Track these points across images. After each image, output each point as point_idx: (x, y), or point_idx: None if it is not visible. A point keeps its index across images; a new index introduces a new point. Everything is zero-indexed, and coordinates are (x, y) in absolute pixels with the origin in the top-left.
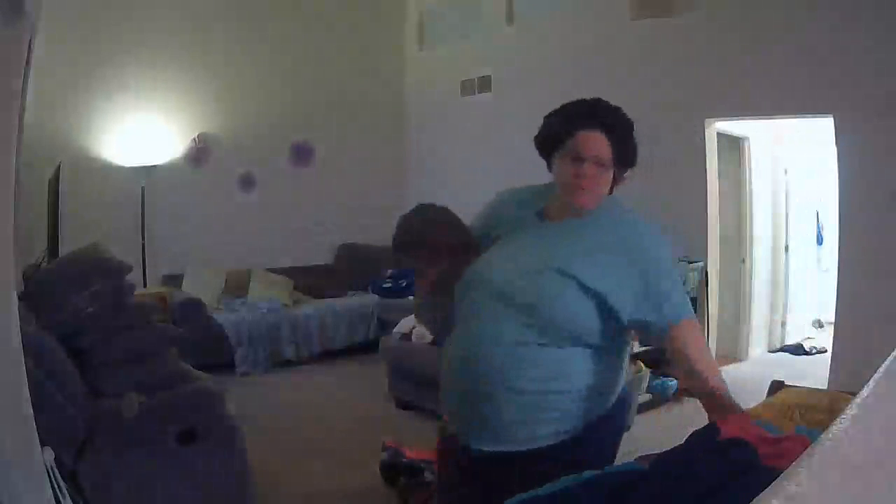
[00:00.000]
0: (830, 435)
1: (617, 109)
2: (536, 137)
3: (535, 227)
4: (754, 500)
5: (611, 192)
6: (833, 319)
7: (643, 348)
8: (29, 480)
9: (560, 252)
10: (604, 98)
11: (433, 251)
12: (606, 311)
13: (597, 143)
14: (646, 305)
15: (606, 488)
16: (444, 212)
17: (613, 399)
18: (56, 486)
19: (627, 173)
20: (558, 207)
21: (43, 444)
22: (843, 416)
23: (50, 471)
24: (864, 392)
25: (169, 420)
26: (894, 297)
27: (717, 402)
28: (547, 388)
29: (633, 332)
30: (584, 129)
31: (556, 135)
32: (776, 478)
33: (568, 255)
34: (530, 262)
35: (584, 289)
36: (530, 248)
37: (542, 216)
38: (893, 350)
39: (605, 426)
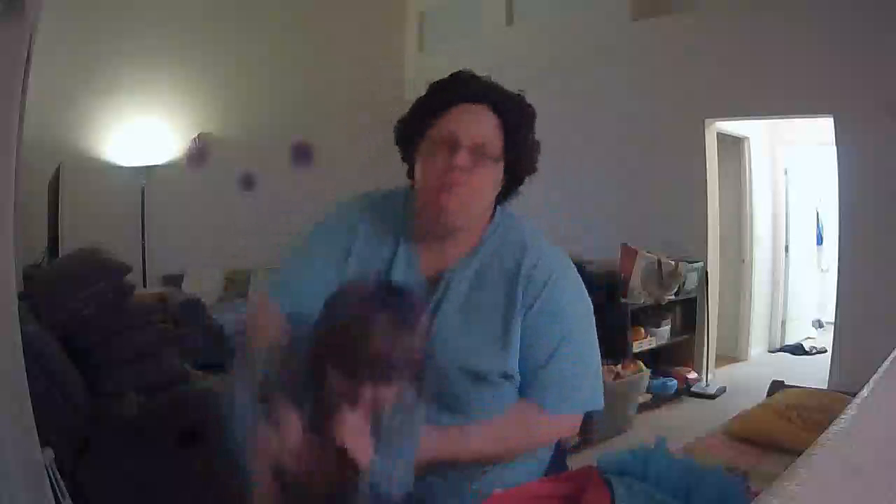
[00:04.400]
0: (830, 435)
1: (508, 91)
2: (397, 127)
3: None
4: (754, 500)
5: (497, 204)
6: (833, 319)
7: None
8: (29, 480)
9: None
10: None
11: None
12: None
13: (480, 121)
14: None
15: None
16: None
17: None
18: (56, 486)
19: (523, 186)
20: (428, 240)
21: (43, 444)
22: (842, 417)
23: (50, 471)
24: (864, 392)
25: (169, 420)
26: (894, 297)
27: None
28: None
29: None
30: (464, 101)
31: (420, 115)
32: None
33: (493, 346)
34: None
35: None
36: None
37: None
38: (893, 350)
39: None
